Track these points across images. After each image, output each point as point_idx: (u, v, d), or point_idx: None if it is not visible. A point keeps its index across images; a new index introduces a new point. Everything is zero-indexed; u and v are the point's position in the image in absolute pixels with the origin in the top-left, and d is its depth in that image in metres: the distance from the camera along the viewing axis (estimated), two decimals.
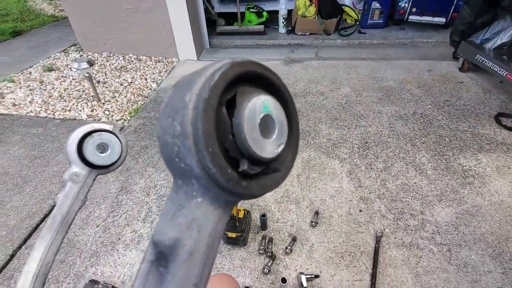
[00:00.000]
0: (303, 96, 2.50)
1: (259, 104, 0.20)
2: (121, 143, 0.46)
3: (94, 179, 0.43)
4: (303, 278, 1.18)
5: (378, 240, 1.35)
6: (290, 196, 1.59)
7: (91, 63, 2.25)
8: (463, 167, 1.74)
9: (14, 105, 2.46)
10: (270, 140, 0.21)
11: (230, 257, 1.32)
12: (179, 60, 3.30)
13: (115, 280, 1.26)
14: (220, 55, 3.36)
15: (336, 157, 1.85)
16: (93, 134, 0.45)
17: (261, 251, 1.31)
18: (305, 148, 1.93)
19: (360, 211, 1.50)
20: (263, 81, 0.21)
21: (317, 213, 1.47)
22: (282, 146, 0.21)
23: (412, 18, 3.59)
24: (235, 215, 1.29)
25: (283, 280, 1.14)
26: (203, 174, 0.18)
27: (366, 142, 1.96)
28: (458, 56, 2.79)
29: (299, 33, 3.71)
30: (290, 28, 3.77)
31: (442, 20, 3.48)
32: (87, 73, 2.30)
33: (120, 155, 0.47)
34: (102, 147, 0.45)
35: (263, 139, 0.20)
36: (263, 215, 1.37)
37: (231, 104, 0.19)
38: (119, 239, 1.43)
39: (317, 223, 1.42)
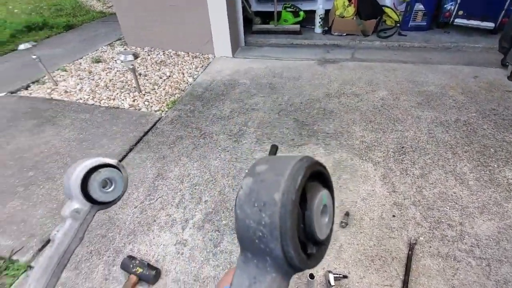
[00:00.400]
0: (337, 97, 2.47)
1: (321, 198, 0.24)
2: (123, 178, 0.45)
3: (94, 215, 0.42)
4: (331, 277, 1.18)
5: (411, 247, 1.31)
6: None
7: (136, 56, 2.39)
8: (508, 180, 1.62)
9: (66, 92, 2.68)
10: (325, 224, 0.25)
11: None
12: (214, 56, 3.39)
13: (150, 258, 1.34)
14: (255, 53, 3.41)
15: (370, 160, 1.81)
16: (99, 170, 0.43)
17: None
18: (337, 149, 1.91)
19: (394, 216, 1.46)
20: (322, 175, 0.26)
21: (347, 214, 1.45)
22: (330, 227, 0.26)
23: (458, 21, 3.40)
24: None
25: (311, 276, 1.15)
26: (283, 256, 0.22)
27: (403, 147, 1.89)
28: (507, 64, 2.60)
29: (336, 33, 3.65)
30: (326, 28, 3.72)
31: (490, 25, 3.26)
32: (132, 65, 2.45)
33: (122, 191, 0.46)
34: (105, 182, 0.44)
35: (322, 224, 0.25)
36: None
37: (302, 197, 0.23)
38: (155, 221, 1.51)
39: (347, 224, 1.41)
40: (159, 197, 1.64)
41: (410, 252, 1.30)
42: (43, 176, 1.80)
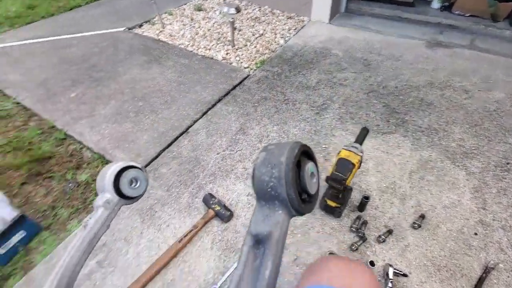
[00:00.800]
0: (440, 88, 2.18)
1: (310, 166, 0.37)
2: (145, 179, 0.53)
3: (119, 209, 0.49)
4: (391, 270, 1.19)
5: (487, 270, 1.22)
6: (397, 190, 1.53)
7: (238, 10, 2.44)
8: None
9: (170, 35, 2.94)
10: (313, 183, 0.38)
11: (322, 222, 1.41)
12: (310, 20, 3.24)
13: (225, 200, 1.53)
14: (354, 22, 3.13)
15: (464, 167, 1.63)
16: (129, 170, 0.51)
17: (353, 229, 1.36)
18: (427, 146, 1.75)
19: (475, 234, 1.34)
20: (309, 154, 0.40)
21: (422, 216, 1.39)
22: (316, 187, 0.39)
23: None
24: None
25: (372, 263, 1.18)
26: (286, 198, 0.33)
27: (508, 163, 1.64)
28: None
29: (457, 12, 3.08)
30: (447, 3, 3.15)
31: None
32: (232, 18, 2.52)
33: (144, 189, 0.54)
34: (131, 180, 0.52)
35: (311, 183, 0.37)
36: (366, 197, 1.38)
37: (297, 164, 0.35)
38: (232, 170, 1.68)
39: (419, 226, 1.35)
40: (239, 150, 1.80)
41: (484, 274, 1.21)
42: (149, 108, 2.11)
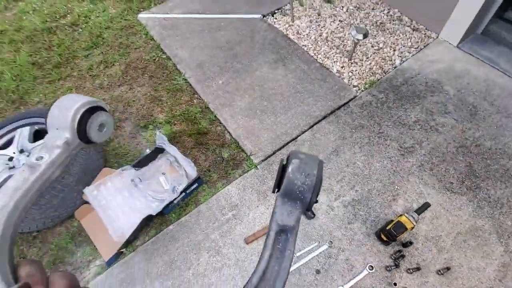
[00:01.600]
0: None
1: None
2: (113, 125, 0.43)
3: (75, 154, 0.40)
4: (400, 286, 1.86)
5: None
6: (439, 243, 2.05)
7: (365, 36, 2.70)
8: None
9: (298, 32, 3.35)
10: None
11: (372, 243, 2.08)
12: (437, 37, 3.18)
13: None
14: (484, 52, 2.99)
15: (505, 245, 2.01)
16: (99, 112, 0.42)
17: (392, 257, 2.00)
18: (485, 217, 2.12)
19: None
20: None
21: (448, 268, 1.93)
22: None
23: None
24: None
25: (395, 284, 1.87)
26: (308, 202, 0.47)
27: None
28: None
29: None
30: None
31: None
32: (357, 39, 2.80)
33: (109, 137, 0.44)
34: (99, 125, 0.41)
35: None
36: (411, 242, 1.96)
37: None
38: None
39: (442, 274, 1.92)
40: (329, 168, 2.44)
41: None
42: (271, 110, 2.81)
